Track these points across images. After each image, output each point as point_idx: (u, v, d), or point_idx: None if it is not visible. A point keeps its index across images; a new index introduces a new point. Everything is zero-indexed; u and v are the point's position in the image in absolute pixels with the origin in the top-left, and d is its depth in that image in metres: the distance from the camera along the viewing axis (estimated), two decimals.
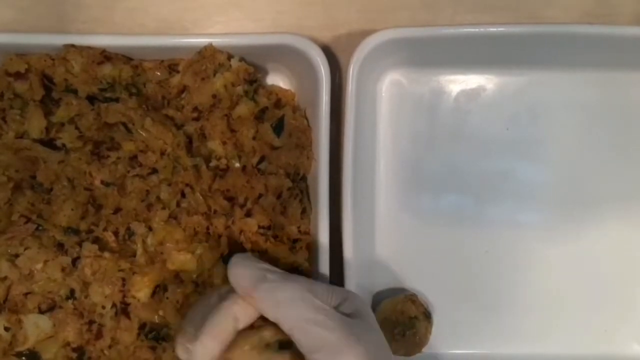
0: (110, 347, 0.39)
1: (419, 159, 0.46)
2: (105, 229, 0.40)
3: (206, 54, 0.42)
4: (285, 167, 0.43)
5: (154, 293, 0.40)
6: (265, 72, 0.46)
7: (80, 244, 0.39)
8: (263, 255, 0.41)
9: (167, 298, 0.40)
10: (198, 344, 0.33)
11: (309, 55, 0.41)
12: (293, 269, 0.41)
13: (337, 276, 0.42)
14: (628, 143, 0.47)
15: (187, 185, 0.41)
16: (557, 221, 0.46)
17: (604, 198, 0.46)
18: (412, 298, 0.44)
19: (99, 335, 0.39)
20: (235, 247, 0.41)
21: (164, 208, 0.40)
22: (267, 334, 0.34)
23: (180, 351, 0.34)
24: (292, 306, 0.32)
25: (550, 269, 0.46)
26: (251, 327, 0.34)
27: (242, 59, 0.43)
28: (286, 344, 0.34)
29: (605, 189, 0.47)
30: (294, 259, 0.41)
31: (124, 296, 0.39)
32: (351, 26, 0.46)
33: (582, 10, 0.47)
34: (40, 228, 0.39)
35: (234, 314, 0.33)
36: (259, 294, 0.33)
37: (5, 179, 0.40)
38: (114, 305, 0.39)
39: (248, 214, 0.41)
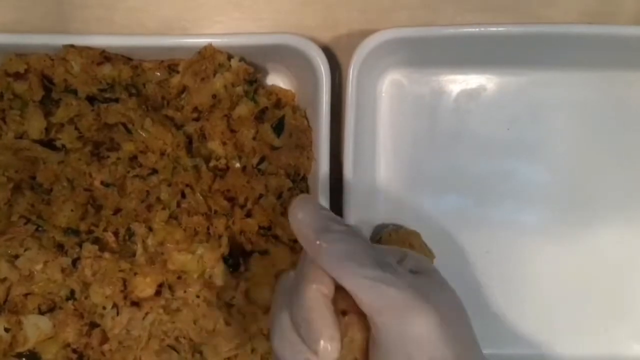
0: (111, 350, 0.39)
1: (419, 159, 0.46)
2: (105, 230, 0.40)
3: (206, 54, 0.42)
4: (285, 167, 0.43)
5: (157, 293, 0.40)
6: (265, 72, 0.46)
7: (80, 245, 0.39)
8: (264, 255, 0.41)
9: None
10: (322, 352, 0.29)
11: (309, 55, 0.41)
12: None
13: None
14: (628, 143, 0.47)
15: (187, 185, 0.41)
16: (557, 221, 0.46)
17: (605, 198, 0.46)
18: None
19: (104, 340, 0.39)
20: (236, 248, 0.41)
21: (164, 208, 0.40)
22: None
23: None
24: (355, 262, 0.29)
25: (551, 269, 0.46)
26: None
27: (242, 59, 0.43)
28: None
29: (605, 189, 0.46)
30: (294, 259, 0.41)
31: (125, 297, 0.39)
32: (351, 26, 0.46)
33: (582, 10, 0.47)
34: (40, 229, 0.39)
35: (325, 300, 0.30)
36: (322, 245, 0.30)
37: (4, 179, 0.40)
38: (114, 305, 0.39)
39: (248, 214, 0.41)
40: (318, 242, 0.30)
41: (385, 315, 0.29)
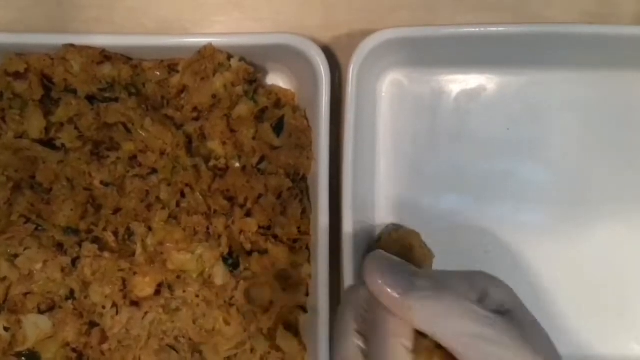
0: (111, 349, 0.39)
1: (419, 159, 0.46)
2: (104, 229, 0.40)
3: (206, 53, 0.42)
4: (285, 167, 0.43)
5: (156, 293, 0.40)
6: (265, 72, 0.46)
7: (79, 244, 0.39)
8: (263, 255, 0.41)
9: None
10: None
11: (309, 55, 0.41)
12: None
13: (336, 276, 0.42)
14: (628, 143, 0.47)
15: (186, 185, 0.41)
16: (557, 221, 0.46)
17: (604, 198, 0.46)
18: None
19: (103, 339, 0.39)
20: (235, 247, 0.41)
21: (163, 208, 0.40)
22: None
23: None
24: (452, 319, 0.29)
25: (551, 269, 0.46)
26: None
27: (241, 59, 0.43)
28: None
29: (605, 188, 0.46)
30: (294, 259, 0.41)
31: (124, 297, 0.39)
32: (351, 26, 0.46)
33: (582, 10, 0.47)
34: (40, 228, 0.39)
35: (407, 354, 0.29)
36: (413, 306, 0.29)
37: (4, 179, 0.40)
38: (114, 305, 0.39)
39: (248, 214, 0.41)
40: (408, 304, 0.29)
41: None
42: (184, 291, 0.40)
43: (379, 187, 0.47)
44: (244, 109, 0.42)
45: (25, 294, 0.39)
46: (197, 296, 0.40)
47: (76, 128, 0.41)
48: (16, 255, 0.39)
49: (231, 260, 0.41)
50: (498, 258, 0.46)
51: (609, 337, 0.46)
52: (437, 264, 0.45)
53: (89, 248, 0.39)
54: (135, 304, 0.40)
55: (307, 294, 0.42)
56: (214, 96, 0.42)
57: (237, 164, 0.42)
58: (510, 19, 0.46)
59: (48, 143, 0.41)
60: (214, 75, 0.42)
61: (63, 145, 0.41)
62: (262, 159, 0.43)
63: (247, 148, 0.42)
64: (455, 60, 0.45)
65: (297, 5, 0.46)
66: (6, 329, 0.38)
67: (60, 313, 0.39)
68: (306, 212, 0.43)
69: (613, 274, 0.46)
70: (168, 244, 0.40)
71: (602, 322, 0.46)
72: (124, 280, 0.39)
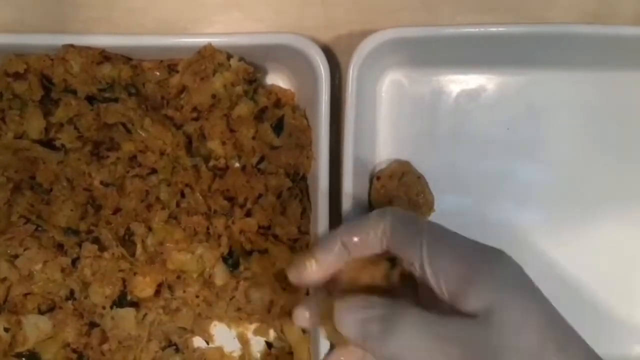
0: (111, 350, 0.39)
1: (419, 159, 0.46)
2: (105, 229, 0.40)
3: (205, 53, 0.42)
4: (285, 167, 0.43)
5: (156, 293, 0.40)
6: (264, 72, 0.46)
7: (79, 245, 0.39)
8: (263, 254, 0.41)
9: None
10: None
11: (308, 55, 0.41)
12: None
13: None
14: (628, 143, 0.47)
15: (186, 185, 0.41)
16: (557, 221, 0.46)
17: (604, 198, 0.46)
18: None
19: (104, 340, 0.39)
20: (236, 247, 0.41)
21: (163, 208, 0.40)
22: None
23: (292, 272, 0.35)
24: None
25: (550, 269, 0.46)
26: None
27: (241, 59, 0.43)
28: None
29: (605, 189, 0.46)
30: (294, 258, 0.41)
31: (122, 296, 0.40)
32: (351, 26, 0.46)
33: (582, 10, 0.47)
34: (40, 229, 0.39)
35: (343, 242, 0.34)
36: (371, 350, 0.32)
37: (4, 179, 0.40)
38: (114, 305, 0.39)
39: (248, 214, 0.41)
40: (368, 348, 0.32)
41: None
42: (184, 291, 0.40)
43: None
44: (243, 108, 0.42)
45: (25, 295, 0.39)
46: (197, 296, 0.40)
47: (76, 128, 0.41)
48: (16, 256, 0.39)
49: (231, 260, 0.41)
50: None
51: (609, 337, 0.46)
52: None
53: (89, 248, 0.39)
54: (135, 304, 0.40)
55: (307, 294, 0.42)
56: (213, 96, 0.42)
57: (237, 164, 0.42)
58: (510, 19, 0.46)
59: (48, 143, 0.41)
60: (213, 75, 0.42)
61: (63, 145, 0.41)
62: (262, 159, 0.43)
63: (247, 148, 0.42)
64: (455, 60, 0.45)
65: (297, 5, 0.46)
66: (6, 330, 0.38)
67: (61, 313, 0.39)
68: (306, 212, 0.43)
69: (613, 273, 0.46)
70: (168, 244, 0.40)
71: (603, 322, 0.46)
72: (124, 281, 0.39)
